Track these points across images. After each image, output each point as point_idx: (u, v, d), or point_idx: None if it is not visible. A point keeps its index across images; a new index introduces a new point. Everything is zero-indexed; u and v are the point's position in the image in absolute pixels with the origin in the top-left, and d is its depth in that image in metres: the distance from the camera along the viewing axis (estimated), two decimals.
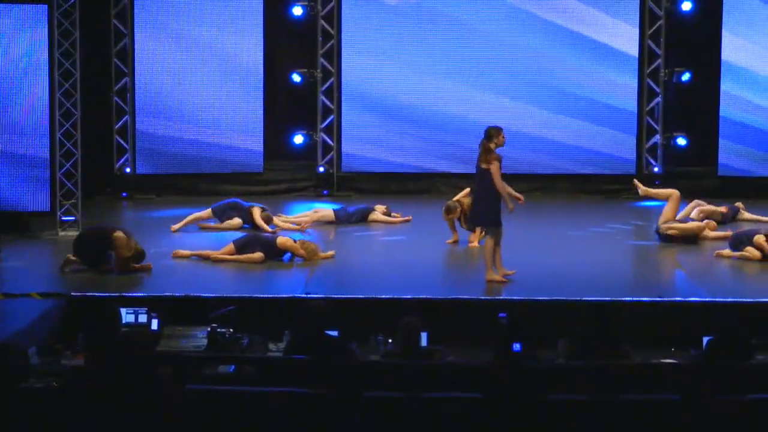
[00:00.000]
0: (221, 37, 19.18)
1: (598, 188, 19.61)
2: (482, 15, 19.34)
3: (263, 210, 16.13)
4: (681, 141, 19.48)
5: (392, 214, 17.08)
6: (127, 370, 8.93)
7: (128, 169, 19.17)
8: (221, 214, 15.97)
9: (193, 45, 19.13)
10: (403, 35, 19.40)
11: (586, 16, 19.27)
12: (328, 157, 19.64)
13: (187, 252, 14.27)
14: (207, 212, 16.32)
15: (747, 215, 16.87)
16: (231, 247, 14.15)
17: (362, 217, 16.91)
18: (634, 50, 19.31)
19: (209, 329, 10.97)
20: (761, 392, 8.85)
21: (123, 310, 11.11)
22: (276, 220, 16.23)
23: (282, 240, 14.21)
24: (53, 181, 15.67)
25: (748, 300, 12.17)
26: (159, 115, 19.18)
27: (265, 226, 15.83)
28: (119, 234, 13.45)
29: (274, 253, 14.04)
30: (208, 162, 19.39)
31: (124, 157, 19.19)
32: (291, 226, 16.20)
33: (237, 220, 15.85)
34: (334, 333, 10.49)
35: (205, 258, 14.11)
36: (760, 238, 14.20)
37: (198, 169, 19.37)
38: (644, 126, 19.51)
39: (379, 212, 17.02)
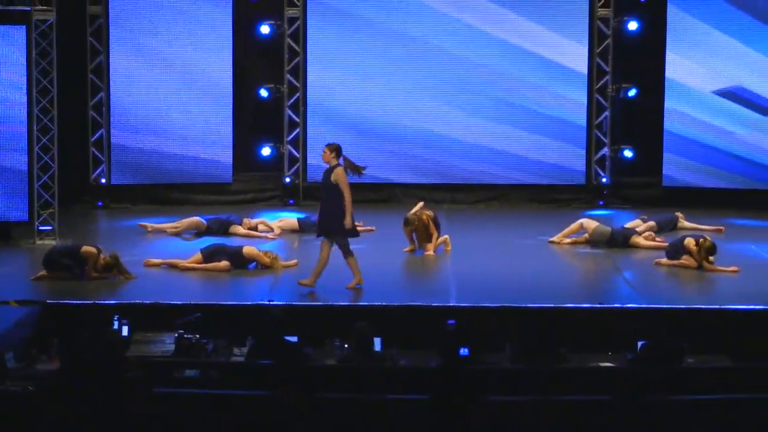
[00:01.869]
0: (192, 55, 19.34)
1: (550, 198, 19.78)
2: (442, 34, 19.51)
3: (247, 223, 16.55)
4: (628, 153, 19.66)
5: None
6: (99, 374, 9.16)
7: (103, 180, 19.32)
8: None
9: (165, 62, 19.30)
10: (365, 52, 19.59)
11: (540, 36, 19.44)
12: (294, 168, 19.82)
13: (157, 261, 14.51)
14: (201, 223, 16.60)
15: (686, 224, 17.16)
16: (198, 256, 14.38)
17: None
18: (583, 68, 19.52)
19: (176, 335, 11.22)
20: (690, 394, 9.19)
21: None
22: (253, 222, 16.59)
23: (248, 249, 14.45)
24: (31, 192, 15.89)
25: (681, 306, 12.51)
26: (133, 129, 19.32)
27: (259, 234, 16.23)
28: (87, 248, 13.72)
29: (240, 262, 14.29)
30: (180, 173, 19.56)
31: (100, 168, 19.34)
32: (263, 234, 16.48)
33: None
34: (294, 339, 10.78)
35: (174, 266, 14.36)
36: (690, 242, 14.52)
37: (170, 180, 19.53)
38: (593, 139, 19.67)
39: None
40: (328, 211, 13.25)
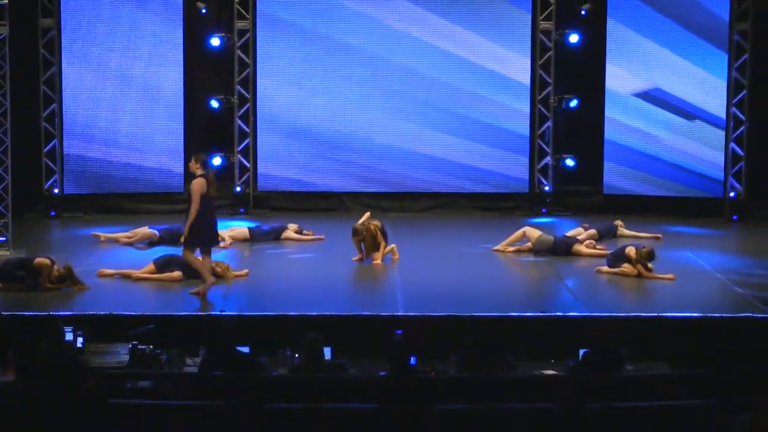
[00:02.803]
0: (144, 66, 19.33)
1: (494, 206, 19.90)
2: (389, 47, 19.60)
3: None
4: (569, 162, 19.82)
5: (304, 232, 17.38)
6: (55, 385, 9.18)
7: (56, 190, 19.24)
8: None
9: (117, 73, 19.26)
10: (314, 64, 19.65)
11: (484, 48, 19.57)
12: (245, 177, 19.84)
13: (110, 271, 14.49)
14: (154, 235, 16.60)
15: (626, 232, 17.36)
16: (151, 266, 14.39)
17: (276, 236, 17.20)
18: (526, 79, 19.67)
19: (131, 346, 11.23)
20: (631, 401, 9.34)
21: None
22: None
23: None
24: None
25: (621, 314, 12.67)
26: (85, 139, 19.28)
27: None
28: (40, 260, 13.70)
29: (192, 272, 14.30)
30: (132, 182, 19.54)
31: (53, 178, 19.26)
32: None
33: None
34: (245, 349, 10.83)
35: (127, 277, 14.35)
36: (630, 250, 14.73)
37: (123, 189, 19.49)
38: (536, 148, 19.81)
39: (291, 231, 17.30)
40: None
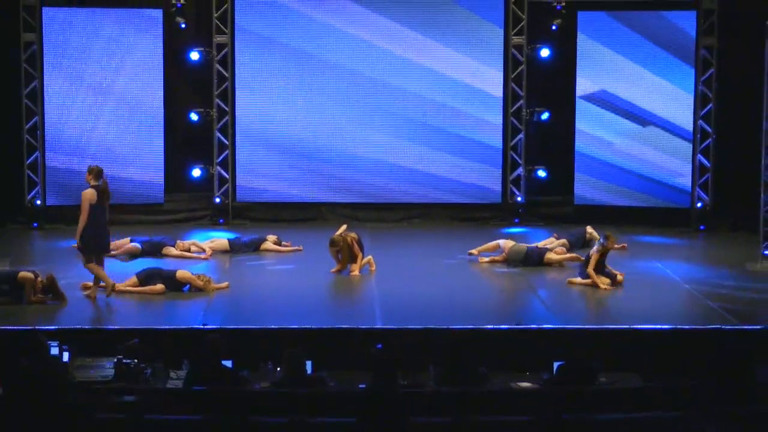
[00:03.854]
0: (124, 80, 19.36)
1: (469, 216, 20.02)
2: (365, 61, 19.68)
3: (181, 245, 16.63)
4: (541, 173, 19.95)
5: (282, 243, 17.44)
6: (42, 399, 9.18)
7: (38, 201, 19.26)
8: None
9: (98, 86, 19.28)
10: (291, 78, 19.72)
11: (458, 62, 19.71)
12: (224, 188, 19.90)
13: (92, 284, 14.49)
14: (137, 248, 16.61)
15: (595, 234, 17.32)
16: (134, 279, 14.42)
17: (255, 247, 17.25)
18: (498, 92, 19.81)
19: (116, 360, 11.25)
20: (605, 412, 9.40)
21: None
22: (186, 244, 16.65)
23: (181, 273, 14.50)
24: None
25: (593, 327, 12.79)
26: (67, 151, 19.30)
27: (191, 255, 16.30)
28: (24, 274, 13.71)
29: (174, 285, 14.36)
30: (113, 193, 19.45)
31: (35, 190, 19.27)
32: (195, 255, 16.55)
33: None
34: (229, 363, 10.86)
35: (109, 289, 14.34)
36: (594, 235, 15.00)
37: None
38: (509, 160, 19.93)
39: (270, 242, 17.36)
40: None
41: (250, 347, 11.95)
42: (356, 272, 15.43)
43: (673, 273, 15.66)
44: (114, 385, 10.70)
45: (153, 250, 16.50)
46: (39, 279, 13.76)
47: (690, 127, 19.45)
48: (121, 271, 15.10)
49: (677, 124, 19.50)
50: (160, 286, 14.24)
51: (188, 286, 14.40)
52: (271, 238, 17.43)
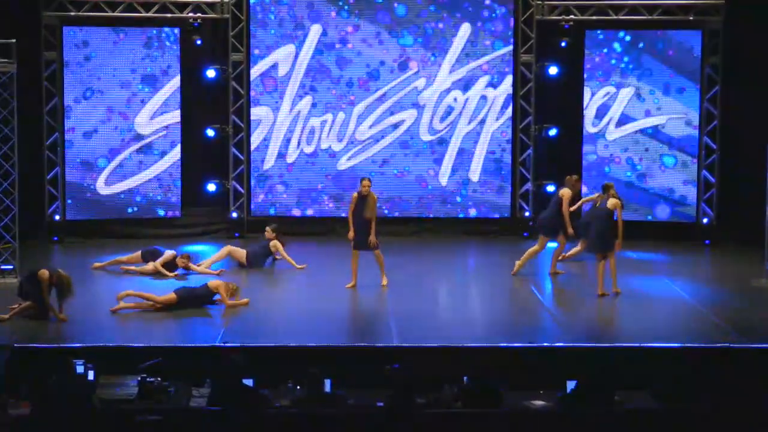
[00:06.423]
0: (142, 97, 19.41)
1: (479, 230, 20.06)
2: (377, 77, 19.75)
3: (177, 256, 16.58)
4: (550, 188, 19.83)
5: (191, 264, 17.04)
6: (70, 417, 9.22)
7: (58, 216, 19.31)
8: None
9: (117, 103, 19.36)
10: (306, 94, 19.78)
11: (468, 79, 19.77)
12: (239, 203, 19.94)
13: (128, 292, 14.54)
14: (135, 256, 16.66)
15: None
16: (173, 296, 14.46)
17: (267, 251, 17.32)
18: (508, 109, 19.82)
19: (139, 379, 11.27)
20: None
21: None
22: (187, 263, 16.60)
23: (213, 283, 14.59)
24: None
25: (607, 345, 12.75)
26: (86, 167, 19.37)
27: (165, 272, 16.23)
28: (43, 271, 13.85)
29: (203, 297, 14.47)
30: (131, 208, 19.60)
31: (55, 205, 19.32)
32: (208, 270, 16.55)
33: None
34: (250, 381, 10.87)
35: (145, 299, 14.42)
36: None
37: (121, 215, 19.58)
38: (517, 175, 19.97)
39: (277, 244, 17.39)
40: None
41: (270, 366, 11.91)
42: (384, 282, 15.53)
43: (682, 290, 15.66)
44: (139, 405, 10.72)
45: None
46: (54, 274, 13.89)
47: (695, 143, 19.46)
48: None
49: (682, 140, 19.51)
50: (172, 296, 14.31)
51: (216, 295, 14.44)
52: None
